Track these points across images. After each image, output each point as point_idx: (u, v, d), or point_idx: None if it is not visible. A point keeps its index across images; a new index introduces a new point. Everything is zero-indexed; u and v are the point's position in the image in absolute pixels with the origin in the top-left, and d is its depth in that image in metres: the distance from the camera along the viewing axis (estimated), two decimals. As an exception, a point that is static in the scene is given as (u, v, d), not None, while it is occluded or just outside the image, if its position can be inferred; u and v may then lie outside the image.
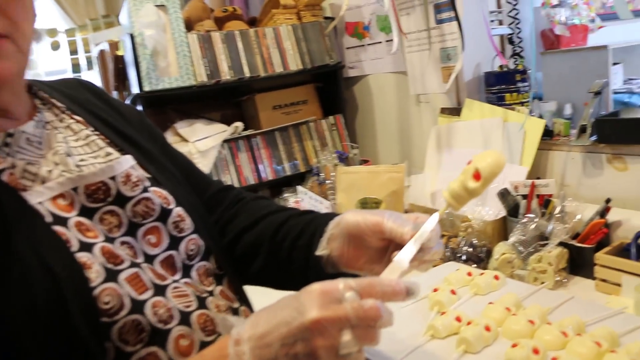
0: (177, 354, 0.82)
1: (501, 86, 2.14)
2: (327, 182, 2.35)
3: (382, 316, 0.67)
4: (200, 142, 2.42)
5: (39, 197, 0.81)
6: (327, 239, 0.98)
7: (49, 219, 0.80)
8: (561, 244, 1.61)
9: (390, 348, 1.16)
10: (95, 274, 0.77)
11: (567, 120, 1.99)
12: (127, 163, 0.94)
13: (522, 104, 2.11)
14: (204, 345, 0.85)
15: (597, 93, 1.82)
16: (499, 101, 2.15)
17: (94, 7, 4.22)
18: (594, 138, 1.80)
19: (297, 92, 2.75)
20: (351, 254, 0.96)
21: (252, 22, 2.75)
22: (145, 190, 0.93)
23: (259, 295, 1.07)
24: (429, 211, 1.96)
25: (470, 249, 1.75)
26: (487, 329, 1.16)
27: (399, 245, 0.87)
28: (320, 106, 2.80)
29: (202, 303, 0.90)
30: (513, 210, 1.78)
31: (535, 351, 1.05)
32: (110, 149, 0.95)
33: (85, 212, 0.85)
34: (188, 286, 0.91)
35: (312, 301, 0.67)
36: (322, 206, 2.13)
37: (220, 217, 1.15)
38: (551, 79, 2.28)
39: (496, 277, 1.42)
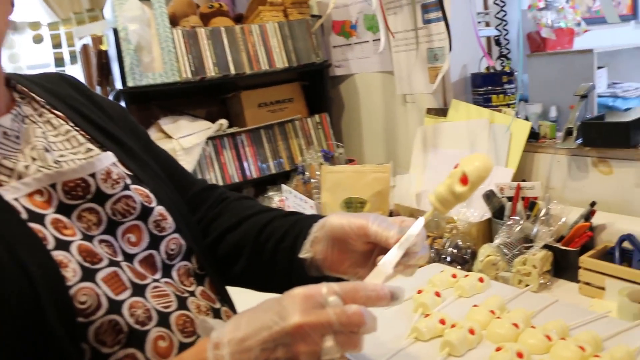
0: (155, 355, 0.80)
1: (488, 87, 2.14)
2: (312, 181, 2.33)
3: (365, 322, 0.66)
4: (185, 139, 2.40)
5: (14, 193, 0.78)
6: (311, 242, 0.96)
7: (24, 215, 0.77)
8: (546, 246, 1.60)
9: (373, 351, 1.14)
10: (71, 273, 0.75)
11: (553, 122, 1.99)
12: (107, 160, 0.91)
13: (508, 105, 2.11)
14: (183, 346, 0.83)
15: (583, 96, 1.82)
16: (485, 102, 2.15)
17: (78, 1, 4.16)
18: (579, 141, 1.80)
19: (282, 90, 2.73)
20: (335, 257, 0.94)
21: (238, 19, 2.73)
22: (126, 188, 0.90)
23: (243, 296, 1.05)
24: (414, 211, 1.98)
25: (455, 251, 1.74)
26: (472, 332, 1.14)
27: (383, 249, 0.86)
28: (306, 104, 2.79)
29: (182, 303, 0.88)
30: (498, 212, 1.78)
31: (520, 355, 1.04)
32: (91, 145, 0.92)
33: (63, 209, 0.82)
34: (168, 286, 0.89)
35: (295, 305, 0.66)
36: (306, 205, 2.11)
37: (203, 217, 1.13)
38: (537, 82, 2.29)
39: (481, 280, 1.40)
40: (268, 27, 2.56)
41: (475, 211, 1.83)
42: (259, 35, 2.53)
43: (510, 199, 1.78)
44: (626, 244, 1.53)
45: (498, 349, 1.07)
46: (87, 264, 0.78)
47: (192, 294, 0.93)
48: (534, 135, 1.96)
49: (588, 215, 1.65)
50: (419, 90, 2.34)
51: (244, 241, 1.06)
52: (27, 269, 0.72)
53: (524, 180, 1.83)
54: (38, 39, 4.22)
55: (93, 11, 4.10)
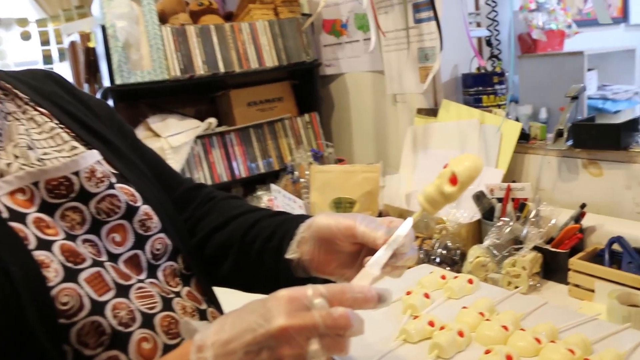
0: (139, 357, 0.78)
1: (478, 88, 2.13)
2: (301, 180, 2.32)
3: (352, 325, 0.65)
4: (173, 137, 2.38)
5: None
6: (298, 242, 0.95)
7: (5, 214, 0.76)
8: (535, 248, 1.60)
9: (360, 353, 1.13)
10: (53, 273, 0.74)
11: (543, 124, 1.99)
12: (92, 158, 0.89)
13: (499, 106, 2.10)
14: (167, 348, 0.81)
15: (574, 98, 1.81)
16: (476, 103, 2.14)
17: (67, -3, 4.14)
18: (570, 143, 1.80)
19: (272, 89, 2.72)
20: (322, 258, 0.93)
21: (228, 17, 2.71)
22: (110, 186, 0.89)
23: (230, 297, 1.04)
24: (404, 212, 1.97)
25: (444, 252, 1.74)
26: (461, 334, 1.13)
27: (371, 250, 0.85)
28: (295, 104, 2.78)
29: (167, 304, 0.86)
30: (488, 214, 1.77)
31: (509, 357, 1.04)
32: (75, 143, 0.90)
33: (46, 208, 0.81)
34: (153, 286, 0.87)
35: (279, 308, 0.65)
36: (295, 205, 2.10)
37: (190, 216, 1.12)
38: (527, 83, 2.28)
39: (470, 281, 1.39)
40: (258, 26, 2.55)
41: (465, 212, 1.82)
42: (248, 34, 2.52)
43: (500, 200, 1.78)
44: (616, 246, 1.52)
45: (487, 352, 1.06)
46: (69, 264, 0.76)
47: (177, 294, 0.91)
48: (524, 137, 1.96)
49: (578, 217, 1.65)
50: (410, 90, 2.33)
51: (230, 241, 1.04)
52: (7, 269, 0.71)
53: (514, 182, 1.83)
54: (26, 36, 4.19)
55: (82, 8, 4.08)
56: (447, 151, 2.08)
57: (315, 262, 0.93)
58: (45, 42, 4.18)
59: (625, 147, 1.69)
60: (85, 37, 2.54)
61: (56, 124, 0.91)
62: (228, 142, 2.53)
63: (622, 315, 1.27)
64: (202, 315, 0.93)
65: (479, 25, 2.46)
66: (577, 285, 1.50)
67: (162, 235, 0.94)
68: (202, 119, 2.53)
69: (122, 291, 0.81)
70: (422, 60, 2.23)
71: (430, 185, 0.90)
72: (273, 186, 2.25)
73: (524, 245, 1.59)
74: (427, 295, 1.33)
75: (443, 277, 1.44)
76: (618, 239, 1.51)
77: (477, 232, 1.81)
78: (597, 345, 1.10)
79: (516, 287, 1.51)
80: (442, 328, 1.15)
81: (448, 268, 1.68)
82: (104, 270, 0.81)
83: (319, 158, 2.47)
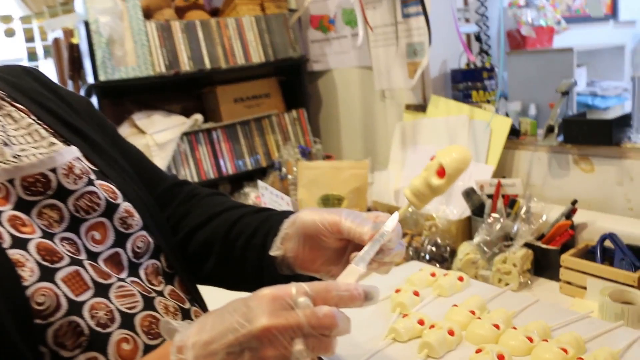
0: (118, 359, 0.77)
1: (468, 83, 2.12)
2: (289, 177, 2.31)
3: (337, 324, 0.63)
4: (158, 134, 2.36)
5: None
6: (282, 239, 0.93)
7: None
8: (526, 245, 1.59)
9: (349, 352, 1.12)
10: (28, 273, 0.72)
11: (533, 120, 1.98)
12: (69, 154, 0.87)
13: (488, 102, 2.09)
14: (148, 349, 0.80)
15: (565, 93, 1.80)
16: (465, 98, 2.13)
17: (52, -6, 4.09)
18: (561, 138, 1.79)
19: (259, 85, 2.70)
20: (307, 254, 0.92)
21: (214, 13, 2.69)
22: (90, 183, 0.87)
23: (215, 295, 1.03)
24: (393, 208, 1.95)
25: (434, 249, 1.72)
26: (451, 333, 1.12)
27: (357, 246, 0.84)
28: (283, 100, 2.77)
29: (149, 303, 0.85)
30: (478, 210, 1.76)
31: (500, 357, 1.03)
32: (54, 140, 0.88)
33: (22, 205, 0.79)
34: (135, 285, 0.86)
35: (262, 307, 0.63)
36: (282, 202, 2.07)
37: (172, 214, 1.10)
38: (516, 79, 2.28)
39: (460, 279, 1.39)
40: (244, 21, 2.52)
41: (454, 208, 1.82)
42: (235, 29, 2.50)
43: (490, 196, 1.76)
44: (608, 243, 1.51)
45: (478, 351, 1.04)
46: (45, 263, 0.75)
47: (160, 293, 0.90)
48: (514, 132, 1.95)
49: (569, 214, 1.64)
50: (398, 85, 2.31)
51: (213, 239, 1.03)
52: None
53: (504, 178, 1.81)
54: (10, 33, 4.15)
55: (67, 4, 4.01)
56: (436, 147, 2.05)
57: (300, 259, 0.92)
58: (29, 39, 4.14)
59: (617, 142, 1.68)
60: (69, 33, 2.51)
61: (34, 120, 0.89)
62: (215, 139, 2.51)
63: (615, 313, 1.26)
64: (186, 315, 0.91)
65: (467, 21, 2.44)
66: (568, 283, 1.49)
67: (143, 232, 0.92)
68: (188, 116, 2.51)
69: (101, 290, 0.79)
70: (410, 55, 2.21)
71: (417, 178, 0.88)
72: (260, 183, 2.23)
73: (515, 242, 1.58)
74: (416, 293, 1.32)
75: (433, 275, 1.43)
76: (610, 236, 1.50)
77: (467, 229, 1.79)
78: (591, 343, 1.10)
79: (507, 285, 1.51)
80: (432, 327, 1.14)
81: (438, 265, 1.68)
82: (82, 269, 0.79)
83: (306, 154, 2.46)
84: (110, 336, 0.77)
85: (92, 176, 0.88)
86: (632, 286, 1.34)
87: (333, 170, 2.05)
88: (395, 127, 2.28)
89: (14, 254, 0.72)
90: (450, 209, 1.80)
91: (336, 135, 2.81)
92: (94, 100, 2.26)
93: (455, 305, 1.24)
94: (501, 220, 1.64)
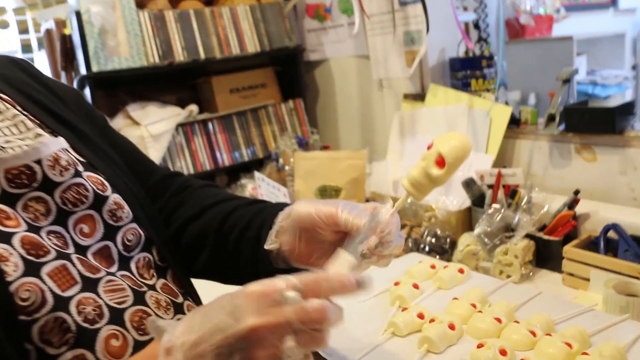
0: (106, 355, 0.75)
1: (467, 72, 2.09)
2: (286, 168, 2.28)
3: (328, 318, 0.61)
4: (153, 125, 2.33)
5: None
6: (276, 232, 0.91)
7: None
8: (528, 236, 1.57)
9: (347, 346, 1.10)
10: (12, 267, 0.70)
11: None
12: (55, 145, 0.85)
13: (487, 90, 2.06)
14: (138, 345, 0.78)
15: (566, 81, 1.77)
16: (464, 87, 2.10)
17: (46, -15, 4.05)
18: (562, 127, 1.77)
19: (255, 75, 2.67)
20: (303, 248, 0.89)
21: (209, 2, 2.66)
22: (77, 175, 0.85)
23: (211, 288, 1.00)
24: (392, 199, 1.92)
25: (434, 240, 1.71)
26: (451, 327, 1.10)
27: None
28: (279, 90, 2.74)
29: (139, 298, 0.83)
30: (478, 200, 1.73)
31: (503, 352, 1.01)
32: (40, 131, 0.86)
33: (7, 198, 0.77)
34: (125, 279, 0.84)
35: (249, 305, 0.61)
36: (279, 193, 2.05)
37: (164, 206, 1.09)
38: (515, 69, 2.26)
39: (461, 271, 1.37)
40: (239, 10, 2.49)
41: (454, 199, 1.79)
42: (229, 19, 2.46)
43: (490, 186, 1.74)
44: (611, 234, 1.49)
45: (480, 346, 1.02)
46: (30, 257, 0.73)
47: (151, 287, 0.88)
48: (514, 121, 1.92)
49: (571, 204, 1.61)
50: (396, 74, 2.28)
51: (206, 231, 1.01)
52: None
53: (504, 167, 1.79)
54: (4, 25, 4.10)
55: (61, -5, 3.99)
56: (435, 137, 2.04)
57: (295, 252, 0.90)
58: (23, 30, 4.10)
59: (620, 131, 1.66)
60: (61, 24, 2.47)
61: (19, 111, 0.87)
62: (210, 130, 2.49)
63: (620, 306, 1.23)
64: (178, 309, 0.90)
65: (465, 9, 2.41)
66: (571, 274, 1.46)
67: (134, 225, 0.90)
68: (183, 107, 2.48)
69: (90, 285, 0.77)
70: (408, 44, 2.18)
71: (415, 168, 0.84)
72: (257, 174, 2.20)
73: (516, 233, 1.56)
74: (416, 286, 1.30)
75: (432, 267, 1.41)
76: (613, 226, 1.48)
77: (467, 220, 1.77)
78: (595, 337, 1.08)
79: (508, 277, 1.49)
80: (432, 320, 1.13)
81: (437, 257, 1.66)
82: (69, 263, 0.77)
83: (303, 145, 2.44)
84: (98, 332, 0.75)
85: (80, 168, 0.86)
86: (636, 278, 1.31)
87: (330, 161, 2.02)
88: (393, 117, 2.25)
89: None
90: (450, 199, 1.78)
91: (333, 126, 2.78)
92: (87, 91, 2.23)
93: (456, 298, 1.22)
94: (502, 210, 1.61)
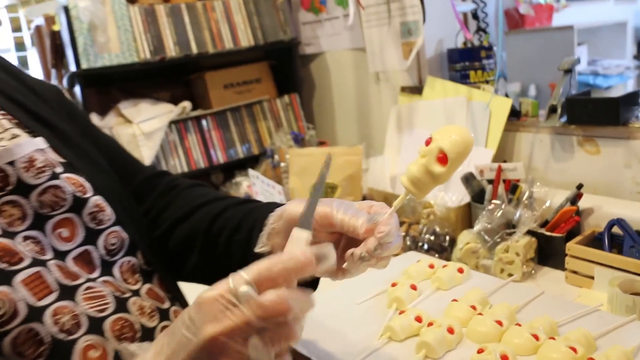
0: None
1: (465, 63, 2.05)
2: (281, 165, 2.25)
3: (289, 308, 0.57)
4: (145, 123, 2.30)
5: None
6: (268, 234, 0.89)
7: None
8: (529, 232, 1.54)
9: (343, 350, 1.08)
10: None
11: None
12: (30, 146, 0.82)
13: (487, 82, 2.02)
14: (118, 355, 0.75)
15: (568, 71, 1.73)
16: (462, 79, 2.06)
17: (37, -18, 4.02)
18: (564, 119, 1.73)
19: (249, 70, 2.64)
20: None
21: (201, -5, 2.61)
22: (54, 177, 0.82)
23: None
24: (390, 196, 1.88)
25: (433, 238, 1.67)
26: (450, 331, 1.07)
27: (351, 240, 0.81)
28: (274, 85, 2.71)
29: (121, 305, 0.80)
30: (478, 196, 1.70)
31: (504, 357, 0.98)
32: (18, 131, 0.84)
33: None
34: (107, 285, 0.81)
35: (201, 315, 0.58)
36: (274, 191, 2.01)
37: (152, 207, 1.06)
38: (515, 60, 2.22)
39: (460, 270, 1.34)
40: (232, 3, 2.45)
41: (453, 195, 1.76)
42: (222, 12, 2.43)
43: (490, 181, 1.71)
44: (616, 229, 1.45)
45: (480, 351, 0.99)
46: (3, 265, 0.71)
47: (136, 293, 0.86)
48: (514, 114, 1.89)
49: (574, 199, 1.58)
50: (392, 66, 2.24)
51: (195, 233, 0.99)
52: None
53: (505, 162, 1.76)
54: (-4, 23, 4.08)
55: (53, -8, 3.96)
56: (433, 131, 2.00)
57: None
58: (16, 28, 4.07)
59: (624, 122, 1.61)
60: (50, 20, 2.44)
61: None
62: (204, 127, 2.45)
63: (626, 305, 1.20)
64: (164, 315, 0.88)
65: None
66: (574, 272, 1.43)
67: (116, 228, 0.88)
68: (177, 104, 2.45)
69: (67, 293, 0.75)
70: (404, 35, 2.13)
71: (415, 165, 0.80)
72: (251, 171, 2.17)
73: (517, 230, 1.53)
74: (414, 287, 1.27)
75: (431, 266, 1.38)
76: (618, 221, 1.44)
77: (467, 216, 1.74)
78: (601, 340, 1.04)
79: (510, 275, 1.46)
80: (430, 324, 1.10)
81: (437, 255, 1.63)
82: (45, 269, 0.75)
83: (299, 141, 2.40)
84: (75, 343, 0.72)
85: (58, 169, 0.84)
86: (643, 275, 1.27)
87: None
88: (390, 111, 2.21)
89: None
90: (449, 195, 1.74)
91: (330, 121, 2.75)
92: (77, 89, 2.21)
93: (455, 300, 1.19)
94: (502, 206, 1.58)
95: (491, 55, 2.04)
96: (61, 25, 2.25)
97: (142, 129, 2.29)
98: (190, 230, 0.99)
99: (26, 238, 0.77)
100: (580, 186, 1.58)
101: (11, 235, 0.75)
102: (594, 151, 1.69)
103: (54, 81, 2.40)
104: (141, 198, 1.06)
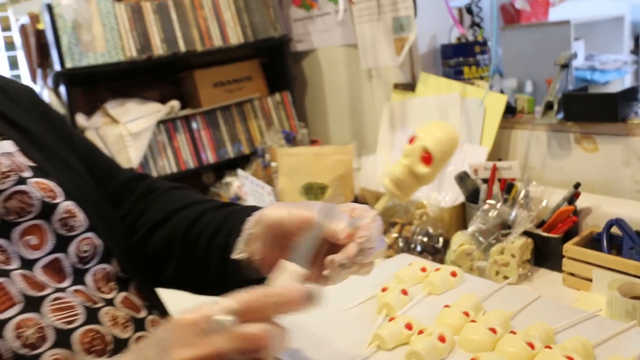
0: None
1: (459, 59, 2.02)
2: (272, 164, 2.22)
3: (267, 344, 0.54)
4: (132, 123, 2.28)
5: None
6: (245, 240, 0.86)
7: None
8: (525, 233, 1.51)
9: (329, 359, 1.04)
10: None
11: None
12: None
13: (481, 78, 2.00)
14: None
15: (564, 66, 1.70)
16: (456, 75, 2.03)
17: (27, -19, 3.98)
18: (560, 116, 1.71)
19: (240, 68, 2.61)
20: (275, 256, 0.82)
21: (189, -9, 2.58)
22: (20, 182, 0.80)
23: (183, 300, 0.93)
24: (382, 196, 1.84)
25: (426, 239, 1.64)
26: (442, 339, 1.02)
27: (333, 245, 0.77)
28: (265, 83, 2.68)
29: (92, 316, 0.78)
30: (472, 196, 1.68)
31: None
32: None
33: None
34: (77, 295, 0.78)
35: (177, 338, 0.56)
36: (264, 191, 1.98)
37: (130, 211, 1.04)
38: (511, 55, 2.20)
39: (453, 274, 1.29)
40: (220, 0, 2.42)
41: (447, 195, 1.73)
42: (210, 9, 2.39)
43: (485, 180, 1.68)
44: (615, 230, 1.42)
45: None
46: None
47: (109, 302, 0.83)
48: (510, 110, 1.86)
49: (572, 198, 1.55)
50: (385, 63, 2.21)
51: (172, 238, 0.96)
52: None
53: (500, 160, 1.73)
54: (-16, 23, 4.03)
55: (39, -11, 3.92)
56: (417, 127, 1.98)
57: (268, 261, 0.85)
58: (5, 28, 4.02)
59: (623, 118, 1.58)
60: (35, 18, 2.40)
61: None
62: (194, 127, 2.43)
63: (626, 310, 1.16)
64: (139, 326, 0.85)
65: (457, -6, 2.33)
66: (572, 274, 1.40)
67: (89, 234, 0.86)
68: (165, 103, 2.43)
69: (32, 305, 0.73)
70: (397, 31, 2.10)
71: (398, 165, 0.76)
72: (240, 172, 2.14)
73: (513, 230, 1.50)
74: (405, 292, 1.22)
75: (423, 270, 1.33)
76: (617, 222, 1.41)
77: (461, 217, 1.71)
78: (599, 349, 0.99)
79: (505, 277, 1.44)
80: (420, 332, 1.05)
81: (430, 257, 1.60)
82: (8, 280, 0.72)
83: (291, 140, 2.38)
84: (39, 358, 0.70)
85: (26, 174, 0.82)
86: (643, 278, 1.24)
87: (315, 157, 1.96)
88: (383, 108, 2.18)
89: None
90: (442, 195, 1.72)
91: (322, 119, 2.72)
92: (62, 89, 2.18)
93: (447, 306, 1.14)
94: (498, 206, 1.55)
95: (485, 50, 2.02)
96: (45, 24, 2.22)
97: (130, 129, 2.26)
98: (168, 235, 0.96)
99: None
100: (577, 185, 1.55)
101: None
102: (592, 148, 1.66)
103: (39, 81, 2.37)
104: (119, 202, 1.03)
